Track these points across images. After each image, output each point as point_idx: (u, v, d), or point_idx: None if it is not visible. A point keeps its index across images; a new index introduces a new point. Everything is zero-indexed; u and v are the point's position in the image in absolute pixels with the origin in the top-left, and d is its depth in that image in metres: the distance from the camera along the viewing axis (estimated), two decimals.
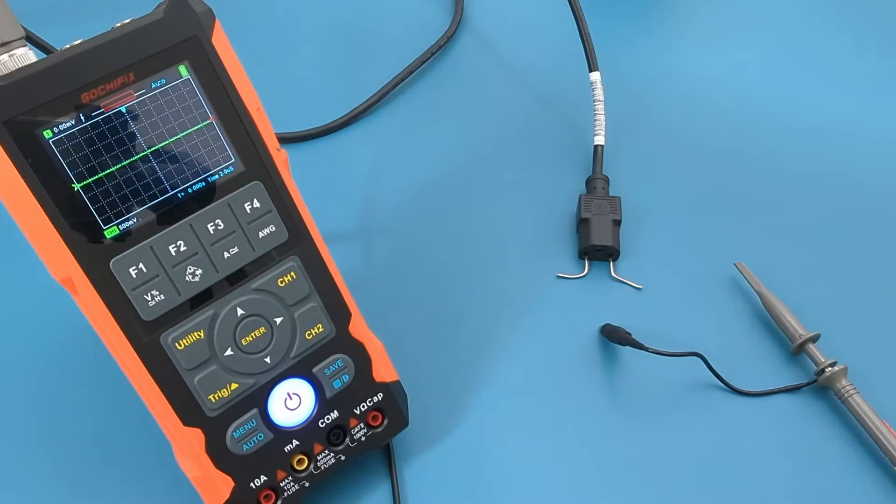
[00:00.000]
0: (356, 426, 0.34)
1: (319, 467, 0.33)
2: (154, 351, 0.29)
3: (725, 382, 0.39)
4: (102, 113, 0.27)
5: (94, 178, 0.27)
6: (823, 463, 0.37)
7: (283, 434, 0.32)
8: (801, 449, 0.37)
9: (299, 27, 0.57)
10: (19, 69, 0.26)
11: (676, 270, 0.44)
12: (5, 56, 0.29)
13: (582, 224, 0.44)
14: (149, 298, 0.29)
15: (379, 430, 0.35)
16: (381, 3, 0.59)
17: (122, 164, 0.28)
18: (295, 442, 0.33)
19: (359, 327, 0.33)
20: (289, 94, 0.52)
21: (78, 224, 0.27)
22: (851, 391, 0.37)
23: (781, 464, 0.37)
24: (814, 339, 0.39)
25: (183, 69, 0.28)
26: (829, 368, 0.38)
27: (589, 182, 0.47)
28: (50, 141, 0.26)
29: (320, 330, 0.32)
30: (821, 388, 0.39)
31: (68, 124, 0.26)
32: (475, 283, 0.43)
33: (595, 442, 0.37)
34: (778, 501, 0.35)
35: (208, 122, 0.29)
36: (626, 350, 0.40)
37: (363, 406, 0.34)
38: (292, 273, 0.31)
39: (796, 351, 0.40)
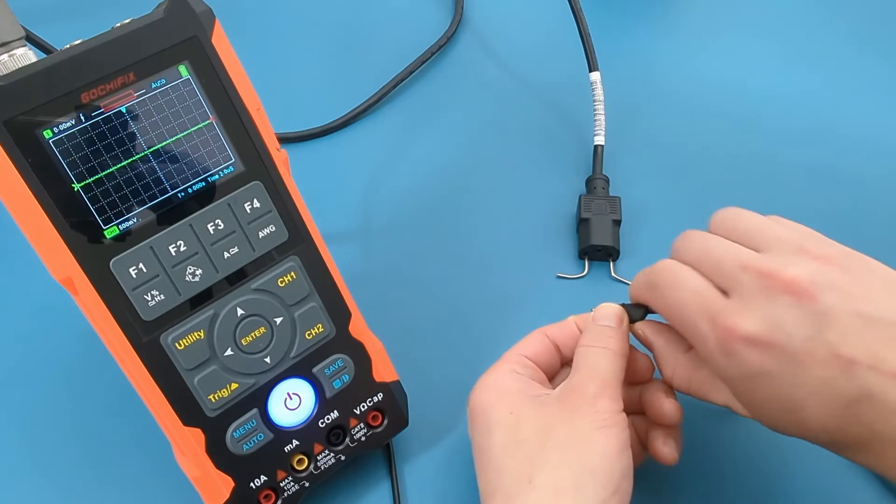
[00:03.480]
0: (356, 426, 0.34)
1: (319, 467, 0.33)
2: (154, 351, 0.29)
3: None
4: (102, 113, 0.27)
5: (94, 178, 0.27)
6: (823, 462, 0.37)
7: (283, 434, 0.32)
8: (801, 448, 0.37)
9: (299, 27, 0.57)
10: (19, 69, 0.26)
11: None
12: (5, 56, 0.29)
13: (582, 224, 0.44)
14: (149, 298, 0.29)
15: (379, 430, 0.35)
16: (382, 2, 0.59)
17: (122, 163, 0.28)
18: (295, 442, 0.33)
19: (359, 327, 0.33)
20: (289, 94, 0.52)
21: (78, 224, 0.27)
22: None
23: (782, 464, 0.37)
24: None
25: (183, 69, 0.28)
26: None
27: (589, 182, 0.47)
28: (50, 141, 0.26)
29: (320, 330, 0.32)
30: None
31: (68, 124, 0.26)
32: (475, 282, 0.43)
33: None
34: (778, 501, 0.35)
35: (208, 122, 0.29)
36: None
37: (363, 406, 0.34)
38: (292, 273, 0.31)
39: None
